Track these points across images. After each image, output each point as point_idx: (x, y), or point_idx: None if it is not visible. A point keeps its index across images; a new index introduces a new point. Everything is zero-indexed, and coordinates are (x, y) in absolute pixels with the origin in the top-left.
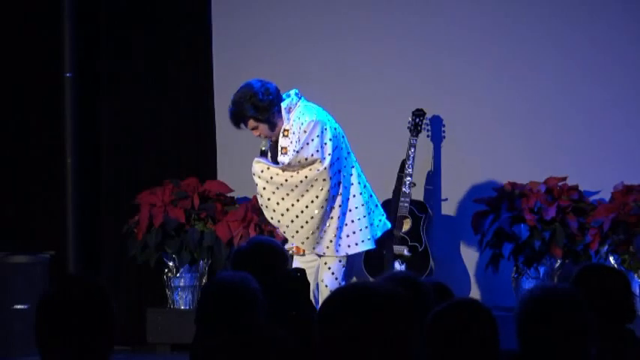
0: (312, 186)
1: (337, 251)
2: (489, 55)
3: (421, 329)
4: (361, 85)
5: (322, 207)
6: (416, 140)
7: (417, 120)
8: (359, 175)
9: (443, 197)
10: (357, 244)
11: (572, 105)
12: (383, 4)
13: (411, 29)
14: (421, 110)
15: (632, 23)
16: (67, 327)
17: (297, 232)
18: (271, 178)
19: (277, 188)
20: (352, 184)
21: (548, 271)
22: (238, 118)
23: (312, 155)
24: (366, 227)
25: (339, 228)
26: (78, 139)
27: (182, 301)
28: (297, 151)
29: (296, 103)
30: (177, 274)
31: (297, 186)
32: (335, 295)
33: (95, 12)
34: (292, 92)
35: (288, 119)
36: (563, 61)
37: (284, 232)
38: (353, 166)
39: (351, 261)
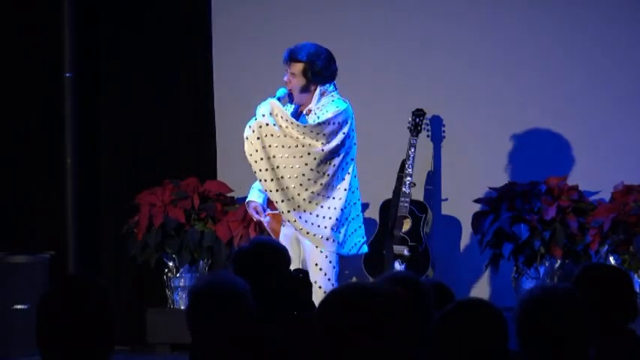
0: (301, 156)
1: (337, 247)
2: (489, 55)
3: (421, 329)
4: (361, 85)
5: (297, 177)
6: (416, 140)
7: (417, 120)
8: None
9: (443, 197)
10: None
11: (573, 105)
12: (383, 4)
13: (411, 29)
14: (421, 110)
15: (632, 24)
16: (67, 327)
17: (265, 180)
18: (281, 117)
19: (272, 135)
20: (356, 189)
21: (548, 271)
22: (296, 53)
23: (325, 134)
24: (352, 235)
25: (341, 223)
26: (78, 139)
27: (182, 301)
28: (319, 124)
29: (330, 92)
30: (177, 274)
31: (290, 146)
32: (334, 295)
33: (95, 12)
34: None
35: (318, 101)
36: (563, 61)
37: (255, 172)
38: (355, 175)
39: (350, 261)
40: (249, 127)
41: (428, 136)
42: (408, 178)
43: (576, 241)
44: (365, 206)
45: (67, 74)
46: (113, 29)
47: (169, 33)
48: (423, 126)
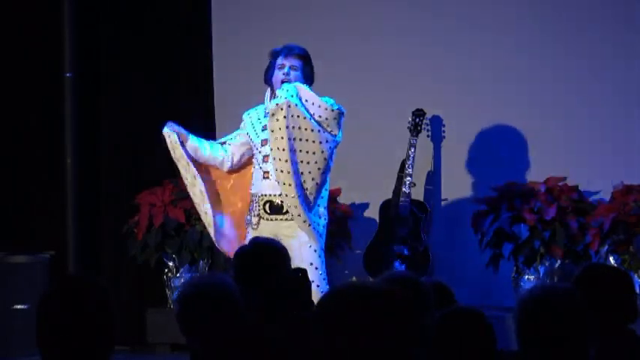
0: (320, 142)
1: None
2: (489, 55)
3: (421, 329)
4: (361, 85)
5: (310, 163)
6: (416, 140)
7: (417, 120)
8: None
9: (443, 197)
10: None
11: (572, 105)
12: (383, 4)
13: (412, 29)
14: (421, 110)
15: (632, 23)
16: (67, 327)
17: (280, 160)
18: (306, 99)
19: (298, 116)
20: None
21: (548, 271)
22: (293, 48)
23: (339, 124)
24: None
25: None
26: (78, 139)
27: None
28: (340, 112)
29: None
30: (177, 274)
31: (312, 130)
32: (334, 295)
33: (95, 12)
34: None
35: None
36: (563, 61)
37: (271, 149)
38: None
39: (350, 261)
40: (277, 104)
41: (428, 136)
42: (408, 178)
43: (576, 241)
44: (365, 206)
45: (67, 74)
46: (113, 29)
47: (169, 33)
48: (423, 126)
